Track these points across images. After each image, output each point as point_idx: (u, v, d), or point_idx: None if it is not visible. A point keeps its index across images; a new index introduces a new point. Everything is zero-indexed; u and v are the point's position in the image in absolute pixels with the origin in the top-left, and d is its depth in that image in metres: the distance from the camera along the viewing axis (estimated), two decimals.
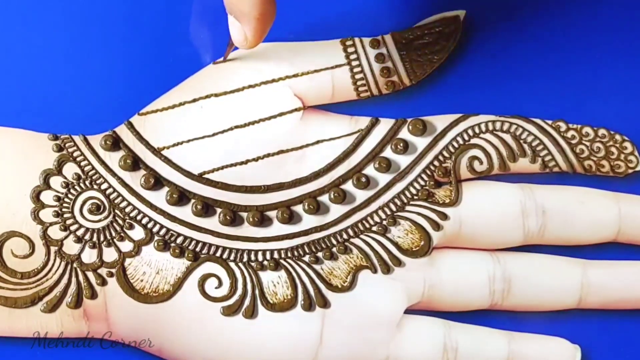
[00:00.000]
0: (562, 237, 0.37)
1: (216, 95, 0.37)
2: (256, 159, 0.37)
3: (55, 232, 0.36)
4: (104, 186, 0.36)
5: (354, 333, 0.36)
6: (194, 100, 0.37)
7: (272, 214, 0.37)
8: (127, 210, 0.36)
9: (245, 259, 0.36)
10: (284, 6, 0.34)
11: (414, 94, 0.38)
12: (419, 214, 0.37)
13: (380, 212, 0.37)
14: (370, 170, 0.37)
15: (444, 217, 0.37)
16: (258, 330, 0.36)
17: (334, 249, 0.37)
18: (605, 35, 0.40)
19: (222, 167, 0.37)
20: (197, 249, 0.36)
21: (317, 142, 0.37)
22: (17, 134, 0.37)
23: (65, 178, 0.36)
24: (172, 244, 0.36)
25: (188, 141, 0.37)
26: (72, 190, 0.36)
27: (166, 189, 0.36)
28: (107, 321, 0.35)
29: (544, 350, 0.37)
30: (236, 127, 0.37)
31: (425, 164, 0.37)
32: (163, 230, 0.36)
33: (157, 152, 0.37)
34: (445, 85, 0.39)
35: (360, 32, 0.38)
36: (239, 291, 0.36)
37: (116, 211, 0.36)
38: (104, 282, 0.35)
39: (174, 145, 0.37)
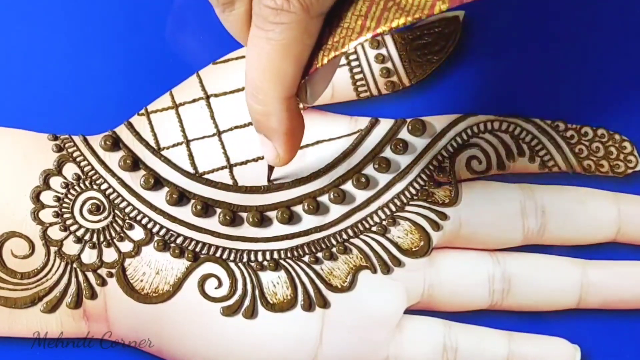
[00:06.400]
0: (561, 237, 0.37)
1: (216, 95, 0.37)
2: (256, 159, 0.37)
3: (55, 233, 0.36)
4: (103, 186, 0.36)
5: (354, 333, 0.36)
6: (194, 101, 0.37)
7: (272, 214, 0.37)
8: (127, 210, 0.36)
9: (245, 259, 0.36)
10: None
11: (414, 94, 0.38)
12: (418, 214, 0.37)
13: (380, 212, 0.37)
14: (370, 171, 0.37)
15: (444, 217, 0.37)
16: (258, 330, 0.36)
17: (334, 249, 0.37)
18: (605, 35, 0.40)
19: (222, 167, 0.37)
20: (197, 249, 0.36)
21: (317, 142, 0.37)
22: (17, 134, 0.37)
23: (65, 178, 0.36)
24: (172, 244, 0.36)
25: (188, 141, 0.37)
26: (71, 191, 0.36)
27: (166, 189, 0.36)
28: (107, 321, 0.35)
29: (544, 350, 0.37)
30: (236, 127, 0.37)
31: (424, 164, 0.37)
32: (163, 231, 0.36)
33: (156, 152, 0.37)
34: (444, 85, 0.39)
35: None
36: (239, 291, 0.36)
37: (116, 211, 0.36)
38: (103, 283, 0.35)
39: (173, 145, 0.37)
